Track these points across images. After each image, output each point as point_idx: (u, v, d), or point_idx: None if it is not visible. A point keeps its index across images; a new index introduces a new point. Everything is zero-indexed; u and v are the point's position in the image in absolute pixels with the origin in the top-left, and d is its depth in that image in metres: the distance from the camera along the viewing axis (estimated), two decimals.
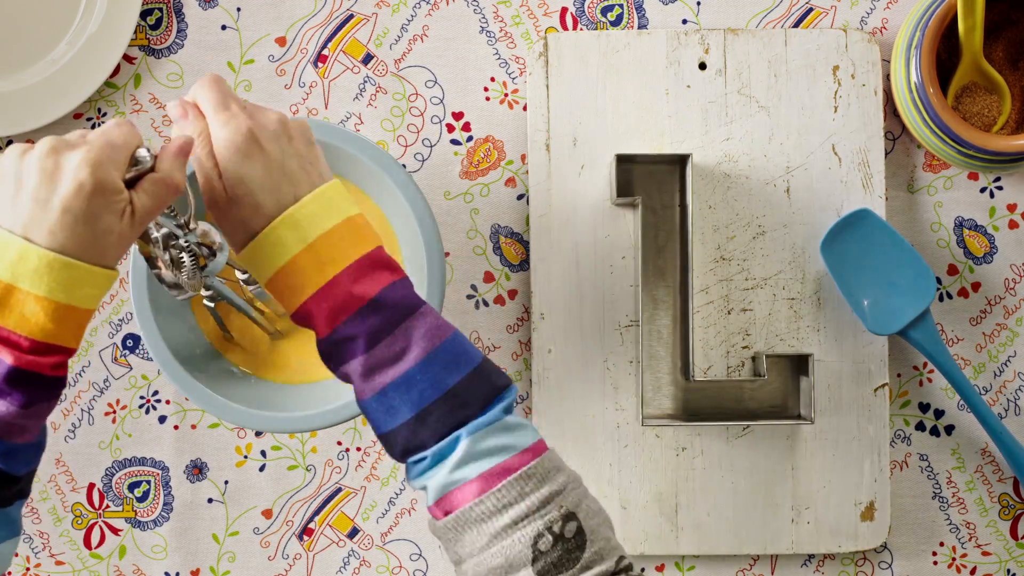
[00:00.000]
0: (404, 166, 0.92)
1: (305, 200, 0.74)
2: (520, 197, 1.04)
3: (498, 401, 0.75)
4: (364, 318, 0.73)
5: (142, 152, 0.73)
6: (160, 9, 1.04)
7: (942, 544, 1.04)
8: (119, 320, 1.04)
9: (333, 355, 0.75)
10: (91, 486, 1.04)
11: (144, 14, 1.04)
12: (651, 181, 1.01)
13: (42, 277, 0.69)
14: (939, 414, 1.04)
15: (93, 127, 1.04)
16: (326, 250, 0.74)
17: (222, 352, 0.97)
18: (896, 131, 1.04)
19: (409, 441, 0.74)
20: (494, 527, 0.71)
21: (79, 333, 0.72)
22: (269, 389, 0.95)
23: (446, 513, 0.73)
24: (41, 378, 0.71)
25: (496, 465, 0.72)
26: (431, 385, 0.73)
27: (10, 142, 1.04)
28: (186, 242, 0.82)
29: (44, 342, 0.71)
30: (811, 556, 1.04)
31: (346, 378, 0.76)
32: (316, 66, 1.04)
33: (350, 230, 0.75)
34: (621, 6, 1.04)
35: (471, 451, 0.72)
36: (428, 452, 0.73)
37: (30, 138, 1.04)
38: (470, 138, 1.04)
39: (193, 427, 1.04)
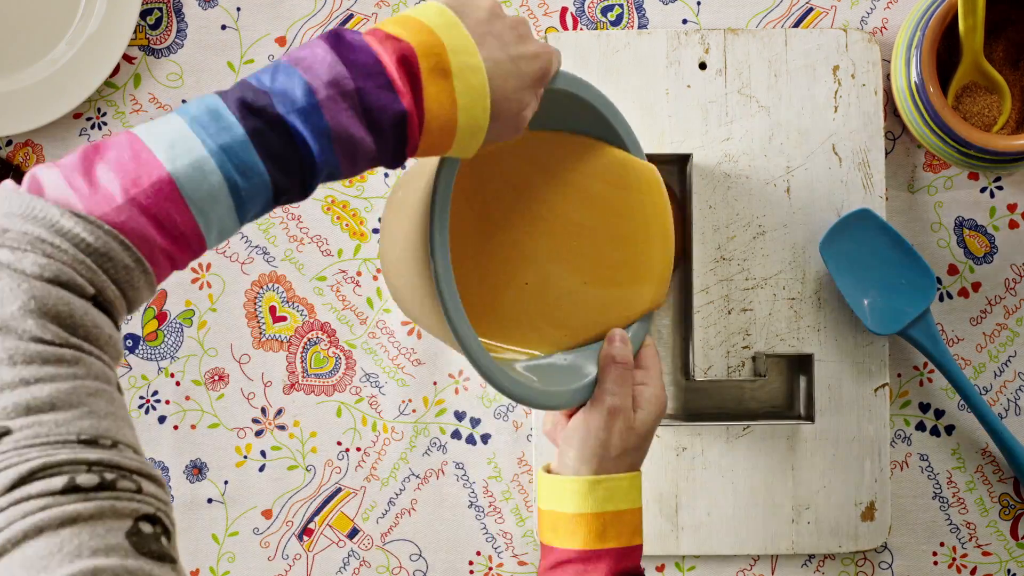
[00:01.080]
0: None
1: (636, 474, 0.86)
2: None
3: None
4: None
5: None
6: (160, 9, 1.04)
7: (942, 544, 1.04)
8: None
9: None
10: None
11: (144, 14, 1.04)
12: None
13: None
14: (939, 414, 1.04)
15: (93, 127, 1.04)
16: (614, 526, 0.84)
17: None
18: (896, 131, 1.04)
19: None
20: None
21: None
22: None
23: None
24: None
25: None
26: None
27: (10, 142, 1.04)
28: None
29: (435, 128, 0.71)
30: (811, 556, 1.04)
31: None
32: None
33: (636, 518, 0.86)
34: (621, 6, 1.04)
35: None
36: None
37: (29, 139, 1.04)
38: None
39: (193, 427, 1.04)
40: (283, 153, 0.65)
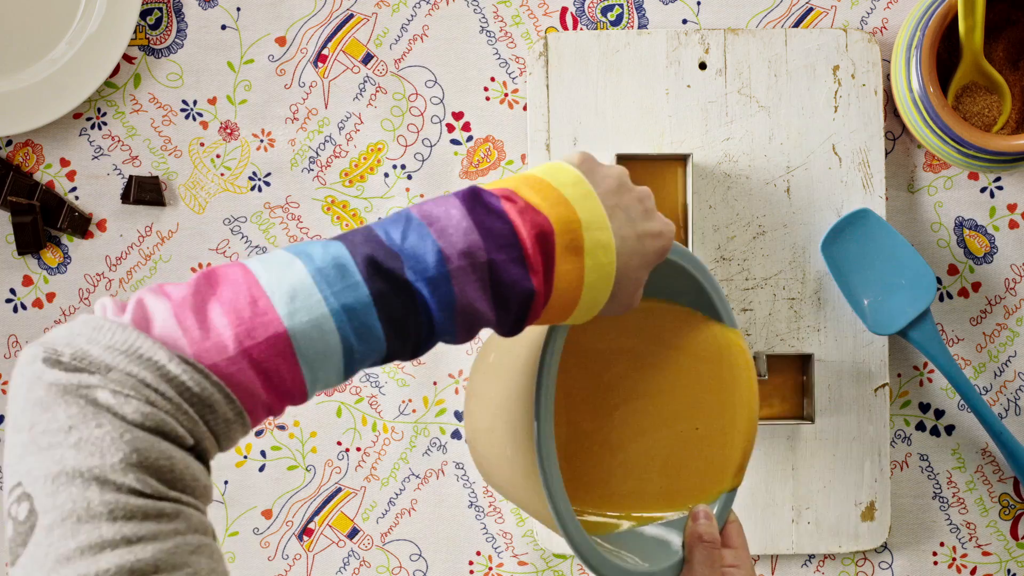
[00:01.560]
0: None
1: None
2: None
3: None
4: None
5: None
6: (160, 9, 1.04)
7: (942, 544, 1.04)
8: None
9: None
10: None
11: (144, 14, 1.04)
12: (651, 181, 1.01)
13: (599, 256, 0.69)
14: (939, 414, 1.04)
15: (93, 127, 1.04)
16: None
17: None
18: (896, 131, 1.04)
19: None
20: None
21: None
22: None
23: None
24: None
25: None
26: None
27: (10, 142, 1.04)
28: None
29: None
30: (811, 556, 1.04)
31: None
32: (316, 66, 1.04)
33: None
34: (621, 6, 1.04)
35: None
36: None
37: (29, 139, 1.04)
38: (470, 138, 1.04)
39: None
40: (404, 319, 0.63)
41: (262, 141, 1.04)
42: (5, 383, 1.04)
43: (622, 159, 0.99)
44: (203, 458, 0.59)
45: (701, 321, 0.87)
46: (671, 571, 0.83)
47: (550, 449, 0.74)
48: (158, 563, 0.54)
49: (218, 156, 1.04)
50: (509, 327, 0.67)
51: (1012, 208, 1.04)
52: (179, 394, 0.57)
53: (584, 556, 0.76)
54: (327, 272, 0.61)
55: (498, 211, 0.65)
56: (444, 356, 1.04)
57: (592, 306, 0.70)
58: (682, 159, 1.00)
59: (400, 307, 0.62)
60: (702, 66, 1.03)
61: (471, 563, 1.04)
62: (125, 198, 1.04)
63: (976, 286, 1.04)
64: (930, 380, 1.04)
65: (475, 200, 0.65)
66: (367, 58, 1.04)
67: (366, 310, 0.61)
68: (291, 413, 1.04)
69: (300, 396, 0.62)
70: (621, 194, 0.71)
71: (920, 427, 1.04)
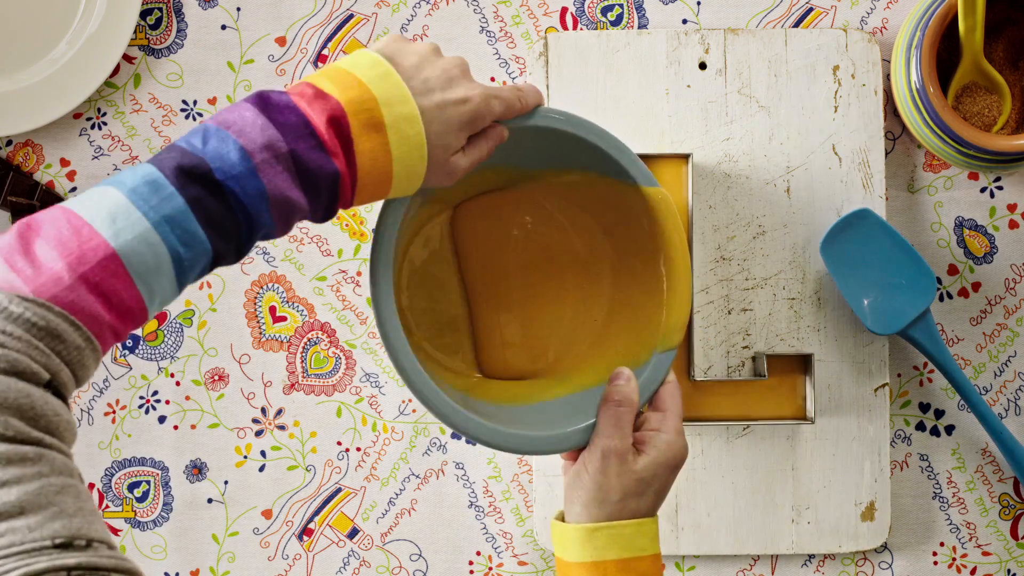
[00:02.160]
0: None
1: (654, 519, 0.83)
2: None
3: None
4: None
5: None
6: (160, 9, 1.04)
7: (942, 544, 1.04)
8: None
9: None
10: (90, 486, 1.04)
11: (144, 14, 1.04)
12: None
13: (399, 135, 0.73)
14: (939, 414, 1.04)
15: (93, 127, 1.04)
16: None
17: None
18: (896, 131, 1.04)
19: None
20: None
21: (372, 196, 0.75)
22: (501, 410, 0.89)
23: None
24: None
25: None
26: None
27: (10, 142, 1.04)
28: None
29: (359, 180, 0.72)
30: (811, 556, 1.04)
31: None
32: (316, 66, 1.04)
33: (647, 566, 0.82)
34: (621, 6, 1.04)
35: None
36: None
37: (29, 139, 1.04)
38: None
39: (193, 427, 1.04)
40: (223, 220, 0.66)
41: None
42: None
43: None
44: (60, 393, 0.61)
45: (614, 184, 0.88)
46: (577, 435, 0.83)
47: (390, 313, 0.79)
48: (23, 505, 0.55)
49: None
50: (323, 212, 0.71)
51: (1012, 208, 1.04)
52: (26, 331, 0.59)
53: (433, 408, 0.80)
54: (141, 190, 0.64)
55: (288, 105, 0.69)
56: None
57: (411, 177, 0.74)
58: (682, 159, 0.99)
59: (216, 208, 0.66)
60: (702, 66, 1.03)
61: (471, 563, 1.04)
62: None
63: (976, 286, 1.04)
64: (930, 380, 1.04)
65: (264, 100, 0.69)
66: None
67: (185, 216, 0.65)
68: (291, 413, 1.04)
69: (141, 313, 0.64)
70: (422, 67, 0.74)
71: (920, 427, 1.04)
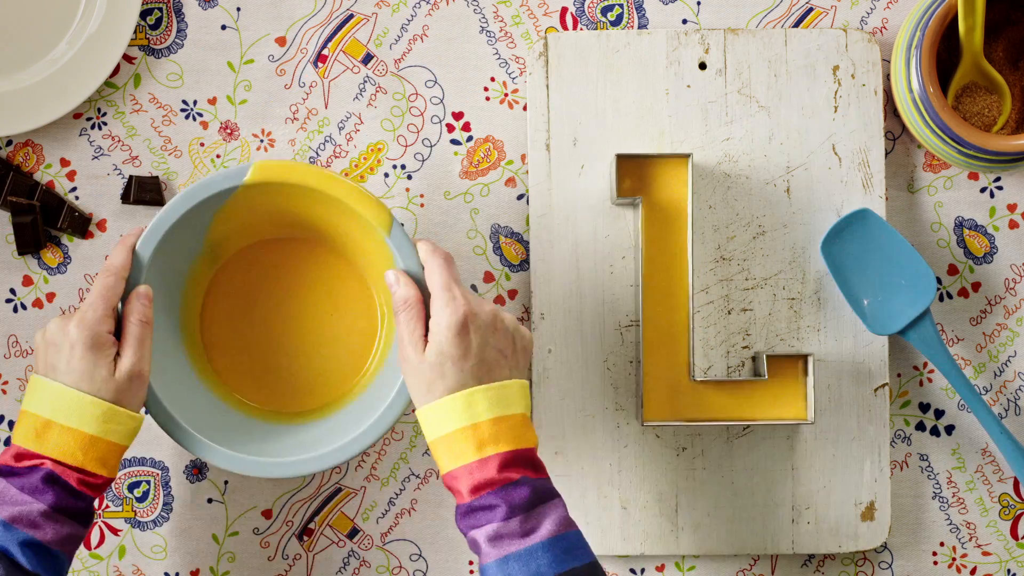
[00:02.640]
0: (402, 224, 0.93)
1: (486, 387, 0.86)
2: (520, 197, 1.04)
3: None
4: (508, 493, 0.84)
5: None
6: (160, 9, 1.04)
7: (942, 544, 1.04)
8: None
9: (469, 517, 0.85)
10: None
11: (144, 14, 1.04)
12: (651, 181, 1.00)
13: (72, 412, 0.87)
14: (939, 414, 1.04)
15: (93, 127, 1.04)
16: (490, 433, 0.85)
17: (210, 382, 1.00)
18: (896, 131, 1.04)
19: None
20: None
21: (109, 463, 0.88)
22: (271, 430, 0.98)
23: None
24: (69, 488, 0.87)
25: None
26: (550, 564, 0.83)
27: (10, 142, 1.04)
28: None
29: (73, 465, 0.87)
30: (811, 556, 1.04)
31: (473, 542, 0.86)
32: (316, 66, 1.04)
33: (515, 424, 0.87)
34: (621, 6, 1.04)
35: None
36: None
37: (29, 139, 1.04)
38: (470, 138, 1.04)
39: None
40: None
41: (262, 141, 1.04)
42: (5, 383, 1.04)
43: (622, 159, 0.99)
44: None
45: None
46: (383, 421, 0.92)
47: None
48: None
49: (218, 156, 1.04)
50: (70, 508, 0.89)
51: (1012, 208, 1.04)
52: None
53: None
54: None
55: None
56: None
57: (110, 420, 0.90)
58: (682, 159, 0.99)
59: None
60: (702, 66, 1.03)
61: (471, 563, 1.04)
62: (125, 198, 1.04)
63: (976, 286, 1.04)
64: (930, 380, 1.04)
65: None
66: (367, 58, 1.04)
67: None
68: None
69: None
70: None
71: (920, 427, 1.04)
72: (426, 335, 0.88)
